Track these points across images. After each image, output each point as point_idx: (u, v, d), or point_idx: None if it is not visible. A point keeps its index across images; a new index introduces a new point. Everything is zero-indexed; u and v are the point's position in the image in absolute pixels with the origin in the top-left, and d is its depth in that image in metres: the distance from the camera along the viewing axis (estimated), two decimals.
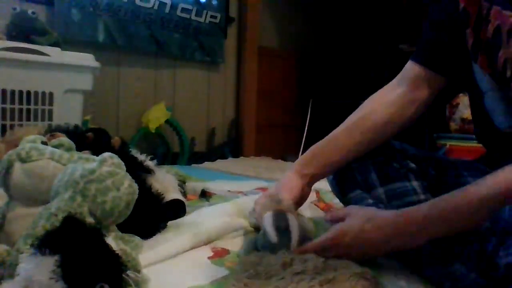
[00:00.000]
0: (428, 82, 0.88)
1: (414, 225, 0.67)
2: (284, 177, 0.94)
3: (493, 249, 0.59)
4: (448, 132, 2.22)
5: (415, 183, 0.87)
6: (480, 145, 0.93)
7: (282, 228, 0.76)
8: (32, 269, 0.43)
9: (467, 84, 0.85)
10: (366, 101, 0.94)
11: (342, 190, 0.95)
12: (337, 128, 0.93)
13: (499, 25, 0.71)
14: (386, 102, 0.90)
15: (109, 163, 0.65)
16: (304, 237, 0.79)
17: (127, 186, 0.65)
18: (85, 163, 0.67)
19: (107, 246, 0.48)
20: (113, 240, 0.50)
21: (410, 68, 0.90)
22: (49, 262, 0.43)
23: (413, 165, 0.90)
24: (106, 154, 0.67)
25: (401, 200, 0.85)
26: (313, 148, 0.94)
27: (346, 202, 0.97)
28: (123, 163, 0.68)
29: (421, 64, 0.88)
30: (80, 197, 0.61)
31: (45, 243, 0.44)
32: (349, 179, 0.93)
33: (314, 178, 0.93)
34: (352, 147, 0.91)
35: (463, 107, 2.13)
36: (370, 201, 0.87)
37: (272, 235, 0.76)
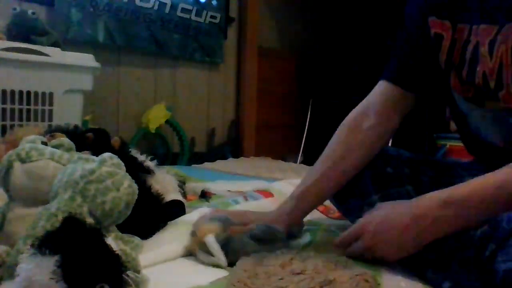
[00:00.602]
0: (398, 103, 0.88)
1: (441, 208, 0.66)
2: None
3: (490, 255, 0.59)
4: (448, 132, 2.22)
5: (409, 187, 0.88)
6: None
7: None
8: (32, 269, 0.43)
9: (449, 104, 0.87)
10: (333, 143, 0.91)
11: (339, 198, 0.96)
12: (311, 172, 0.91)
13: (478, 41, 0.74)
14: (356, 145, 0.89)
15: (109, 163, 0.65)
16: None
17: (127, 187, 0.65)
18: (85, 164, 0.67)
19: (107, 247, 0.48)
20: (113, 241, 0.50)
21: (379, 90, 0.90)
22: (49, 263, 0.43)
23: (407, 170, 0.90)
24: (106, 155, 0.67)
25: None
26: (301, 186, 0.91)
27: (342, 210, 0.98)
28: (123, 164, 0.68)
29: (392, 82, 0.87)
30: (80, 197, 0.61)
31: (45, 244, 0.44)
32: (344, 187, 0.93)
33: (312, 208, 0.94)
34: (341, 175, 0.89)
35: None
36: (366, 208, 0.87)
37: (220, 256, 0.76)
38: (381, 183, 0.89)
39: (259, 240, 0.77)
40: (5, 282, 0.57)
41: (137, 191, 0.68)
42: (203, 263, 0.78)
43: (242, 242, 0.77)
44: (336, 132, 0.93)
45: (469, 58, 0.76)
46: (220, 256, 0.75)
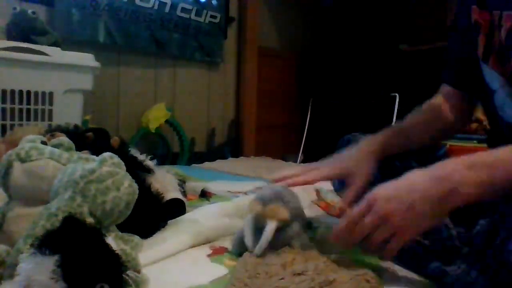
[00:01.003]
0: (461, 98, 0.94)
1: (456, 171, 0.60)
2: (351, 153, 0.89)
3: (499, 245, 0.58)
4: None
5: None
6: (482, 145, 0.96)
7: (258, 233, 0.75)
8: (32, 269, 0.43)
9: (478, 87, 0.89)
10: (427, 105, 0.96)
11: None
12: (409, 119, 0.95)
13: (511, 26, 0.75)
14: (448, 108, 0.94)
15: (109, 163, 0.65)
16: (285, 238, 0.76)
17: (127, 186, 0.65)
18: (85, 163, 0.67)
19: (107, 246, 0.48)
20: (113, 240, 0.50)
21: (445, 87, 0.96)
22: (49, 262, 0.43)
23: (415, 163, 0.90)
24: (106, 154, 0.67)
25: None
26: (389, 130, 0.93)
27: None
28: (123, 163, 0.68)
29: (450, 85, 0.94)
30: (80, 197, 0.61)
31: (45, 243, 0.44)
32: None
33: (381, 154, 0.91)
34: (424, 136, 0.93)
35: None
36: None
37: (248, 240, 0.76)
38: (389, 176, 0.89)
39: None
40: (5, 281, 0.57)
41: (137, 191, 0.68)
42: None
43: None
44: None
45: (505, 41, 0.78)
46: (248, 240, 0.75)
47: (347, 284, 0.60)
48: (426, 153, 0.96)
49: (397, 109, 2.47)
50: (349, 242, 0.65)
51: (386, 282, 0.70)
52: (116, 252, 0.48)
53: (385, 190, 0.63)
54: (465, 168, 0.60)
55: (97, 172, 0.63)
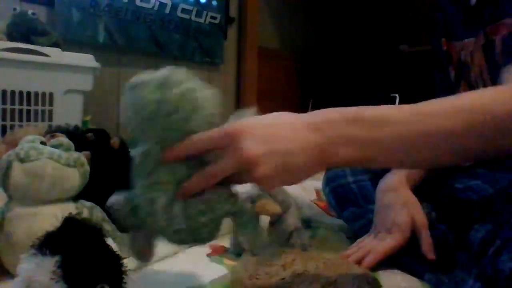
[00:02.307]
0: None
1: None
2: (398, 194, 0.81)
3: (495, 253, 0.55)
4: None
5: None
6: None
7: None
8: (33, 270, 0.43)
9: None
10: None
11: (340, 205, 0.96)
12: None
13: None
14: None
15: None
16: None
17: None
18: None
19: (108, 247, 0.48)
20: (113, 241, 0.50)
21: None
22: (50, 263, 0.43)
23: None
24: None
25: None
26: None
27: (343, 217, 0.98)
28: None
29: None
30: None
31: (45, 244, 0.44)
32: (346, 193, 0.93)
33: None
34: None
35: None
36: (371, 215, 0.87)
37: (243, 239, 0.73)
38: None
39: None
40: (5, 281, 0.57)
41: None
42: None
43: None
44: None
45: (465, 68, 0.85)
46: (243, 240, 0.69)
47: (348, 285, 0.60)
48: None
49: None
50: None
51: (385, 283, 0.70)
52: (117, 252, 0.48)
53: (253, 125, 0.51)
54: (347, 122, 0.48)
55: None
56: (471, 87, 0.84)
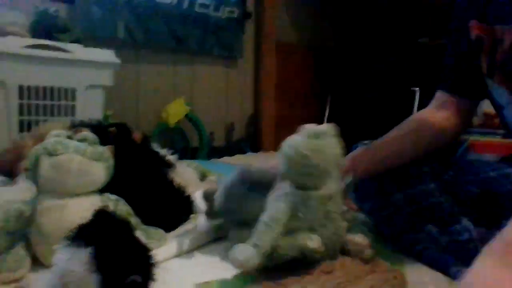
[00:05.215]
0: (458, 105, 0.91)
1: None
2: None
3: None
4: (469, 126, 2.17)
5: (432, 185, 0.86)
6: (507, 140, 0.94)
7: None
8: (68, 261, 0.44)
9: (482, 94, 0.88)
10: (411, 117, 0.94)
11: (358, 197, 0.95)
12: (388, 133, 0.92)
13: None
14: (437, 117, 0.91)
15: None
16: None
17: None
18: None
19: (137, 239, 0.49)
20: (141, 234, 0.51)
21: (440, 95, 0.93)
22: (84, 254, 0.44)
23: (426, 168, 0.89)
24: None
25: (421, 203, 0.84)
26: (362, 148, 0.93)
27: (364, 209, 0.97)
28: None
29: (447, 92, 0.91)
30: None
31: (79, 235, 0.46)
32: (364, 187, 0.92)
33: (366, 173, 0.90)
34: (408, 148, 0.89)
35: (487, 101, 2.09)
36: (392, 209, 0.86)
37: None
38: (400, 181, 0.88)
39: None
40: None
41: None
42: None
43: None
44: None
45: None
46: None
47: (376, 276, 0.59)
48: (446, 153, 0.94)
49: (418, 104, 2.44)
50: None
51: (410, 278, 0.69)
52: (146, 245, 0.49)
53: None
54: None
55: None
56: (509, 79, 0.77)
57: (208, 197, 0.86)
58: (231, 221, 0.83)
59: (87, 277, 0.44)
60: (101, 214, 0.48)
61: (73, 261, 0.44)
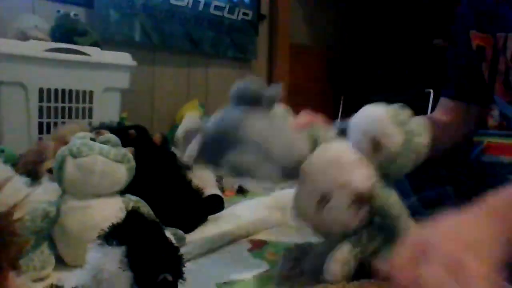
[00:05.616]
0: (462, 110, 0.91)
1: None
2: None
3: None
4: (485, 128, 2.16)
5: (449, 188, 0.87)
6: None
7: None
8: (101, 259, 0.46)
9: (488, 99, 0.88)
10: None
11: None
12: None
13: None
14: (442, 119, 0.91)
15: None
16: None
17: None
18: None
19: (168, 239, 0.50)
20: (170, 234, 0.53)
21: (445, 102, 0.94)
22: (116, 253, 0.46)
23: (444, 171, 0.89)
24: None
25: (437, 206, 0.84)
26: None
27: None
28: None
29: (452, 99, 0.92)
30: None
31: (111, 235, 0.47)
32: None
33: None
34: None
35: None
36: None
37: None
38: (419, 183, 0.88)
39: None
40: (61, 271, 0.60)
41: None
42: None
43: None
44: None
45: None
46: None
47: None
48: (459, 154, 0.94)
49: (431, 105, 2.43)
50: None
51: None
52: (175, 245, 0.51)
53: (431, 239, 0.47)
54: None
55: None
56: (509, 88, 0.78)
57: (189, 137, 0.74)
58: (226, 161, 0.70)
59: (120, 275, 0.45)
60: (133, 214, 0.50)
61: (106, 259, 0.46)
